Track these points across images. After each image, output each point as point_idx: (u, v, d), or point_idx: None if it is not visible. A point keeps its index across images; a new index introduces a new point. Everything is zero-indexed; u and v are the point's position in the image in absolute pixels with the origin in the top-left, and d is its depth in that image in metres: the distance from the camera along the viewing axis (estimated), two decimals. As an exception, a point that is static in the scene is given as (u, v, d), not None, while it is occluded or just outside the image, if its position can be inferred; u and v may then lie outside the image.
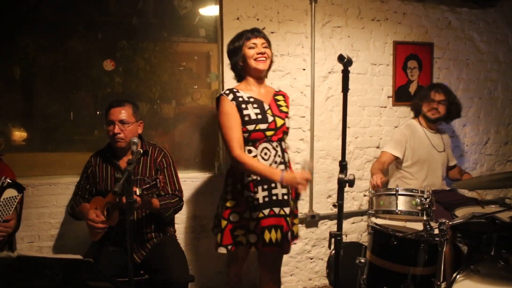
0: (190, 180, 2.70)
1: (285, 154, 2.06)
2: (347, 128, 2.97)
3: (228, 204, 2.06)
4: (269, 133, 2.00)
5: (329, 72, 2.92)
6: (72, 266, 1.49)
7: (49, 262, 1.48)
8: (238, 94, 2.01)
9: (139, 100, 2.52)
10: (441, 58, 3.27)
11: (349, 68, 1.41)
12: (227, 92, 2.02)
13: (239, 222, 2.04)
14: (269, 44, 2.09)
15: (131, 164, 1.57)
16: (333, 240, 1.36)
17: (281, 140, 2.05)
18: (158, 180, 1.88)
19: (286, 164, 2.06)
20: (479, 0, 3.27)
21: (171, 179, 2.23)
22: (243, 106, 1.98)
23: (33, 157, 2.65)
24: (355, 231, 3.12)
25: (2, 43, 2.52)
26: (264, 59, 2.03)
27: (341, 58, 1.40)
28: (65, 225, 2.54)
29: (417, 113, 2.91)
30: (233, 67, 2.13)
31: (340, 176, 1.23)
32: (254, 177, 1.98)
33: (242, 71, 2.10)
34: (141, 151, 1.76)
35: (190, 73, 2.86)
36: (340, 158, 1.41)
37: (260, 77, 2.09)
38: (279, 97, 2.14)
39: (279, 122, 2.03)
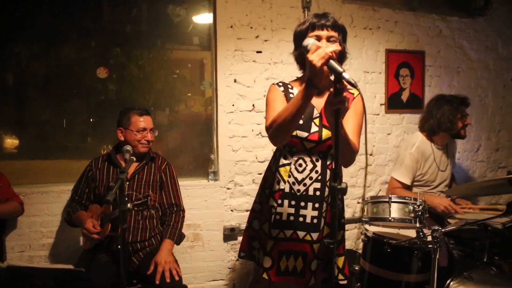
0: (184, 188, 2.68)
1: (328, 172, 1.72)
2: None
3: (254, 207, 1.90)
4: (308, 144, 1.70)
5: (322, 80, 2.94)
6: (64, 276, 1.48)
7: (40, 272, 1.47)
8: (290, 90, 1.73)
9: (132, 108, 2.51)
10: (433, 66, 3.31)
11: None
12: (280, 84, 1.75)
13: (258, 232, 1.85)
14: (342, 36, 1.64)
15: (124, 173, 1.56)
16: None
17: (325, 155, 1.72)
18: (149, 197, 1.89)
19: (325, 184, 1.71)
20: (468, 9, 3.33)
21: (174, 193, 2.31)
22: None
23: (25, 164, 2.62)
24: (349, 238, 3.12)
25: (-5, 50, 2.51)
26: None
27: (303, 47, 1.34)
28: (57, 234, 2.51)
29: (438, 131, 2.63)
30: (296, 56, 1.73)
31: (333, 184, 1.23)
32: (283, 187, 1.73)
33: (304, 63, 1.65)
34: (134, 159, 1.76)
35: (184, 80, 2.87)
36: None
37: None
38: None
39: (326, 134, 1.69)
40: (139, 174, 2.21)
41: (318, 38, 1.58)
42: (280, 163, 1.77)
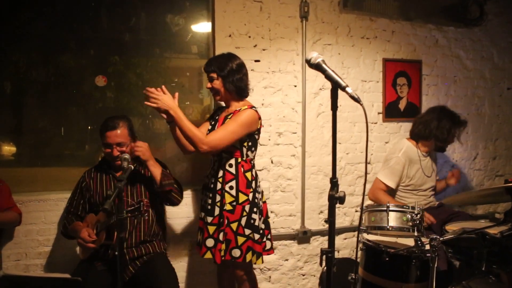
0: (182, 196, 2.68)
1: (220, 171, 2.18)
2: (339, 144, 3.04)
3: None
4: None
5: (320, 89, 2.96)
6: (60, 285, 1.47)
7: (37, 281, 1.46)
8: (216, 111, 2.40)
9: (130, 115, 2.51)
10: (429, 75, 3.33)
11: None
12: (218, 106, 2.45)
13: None
14: (218, 73, 2.17)
15: (122, 181, 1.56)
16: (324, 257, 1.35)
17: (219, 157, 2.19)
18: (142, 203, 1.88)
19: (217, 179, 2.18)
20: (464, 20, 3.37)
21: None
22: (209, 121, 2.38)
23: (22, 172, 2.61)
24: (347, 247, 3.12)
25: (-7, 58, 2.52)
26: (213, 93, 2.27)
27: (307, 61, 1.43)
28: (54, 243, 2.49)
29: (425, 138, 2.79)
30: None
31: (331, 193, 1.24)
32: (205, 180, 2.31)
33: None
34: (132, 167, 1.76)
35: (182, 89, 2.87)
36: (331, 174, 1.42)
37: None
38: (230, 116, 2.20)
39: None
40: (131, 180, 2.20)
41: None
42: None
